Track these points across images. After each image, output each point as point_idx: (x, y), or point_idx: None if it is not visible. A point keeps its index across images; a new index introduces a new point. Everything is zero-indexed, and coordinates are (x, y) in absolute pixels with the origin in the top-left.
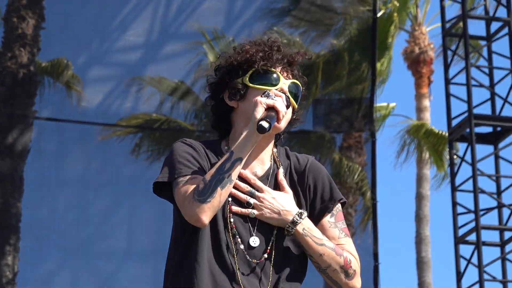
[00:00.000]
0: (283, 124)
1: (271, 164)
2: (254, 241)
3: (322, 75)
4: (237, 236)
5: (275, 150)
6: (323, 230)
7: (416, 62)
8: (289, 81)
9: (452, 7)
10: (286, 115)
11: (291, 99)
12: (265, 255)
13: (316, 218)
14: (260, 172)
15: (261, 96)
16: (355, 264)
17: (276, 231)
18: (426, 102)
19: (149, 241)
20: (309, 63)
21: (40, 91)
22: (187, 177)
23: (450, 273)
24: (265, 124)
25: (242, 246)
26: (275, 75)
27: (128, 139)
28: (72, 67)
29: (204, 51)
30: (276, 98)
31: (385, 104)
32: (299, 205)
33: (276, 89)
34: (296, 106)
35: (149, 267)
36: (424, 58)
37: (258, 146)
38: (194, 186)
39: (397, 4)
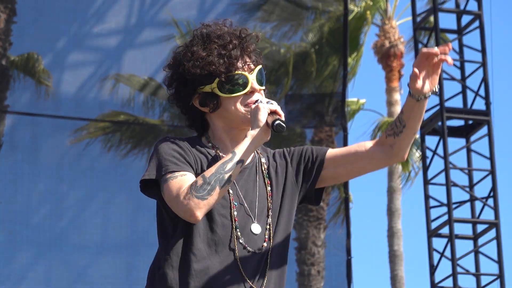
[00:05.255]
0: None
1: (254, 154)
2: (256, 228)
3: (293, 71)
4: (238, 229)
5: None
6: (340, 153)
7: (386, 56)
8: (254, 75)
9: (422, 0)
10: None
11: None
12: (264, 244)
13: (317, 171)
14: (248, 160)
15: (256, 102)
16: None
17: (270, 219)
18: (397, 96)
19: (123, 235)
20: (280, 59)
21: (12, 85)
22: (176, 173)
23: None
24: (282, 123)
25: (242, 240)
26: (242, 79)
27: (100, 138)
28: (43, 62)
29: (176, 44)
30: (272, 101)
31: (355, 99)
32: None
33: (247, 91)
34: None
35: (123, 261)
36: (394, 52)
37: None
38: (187, 182)
39: (371, 3)
